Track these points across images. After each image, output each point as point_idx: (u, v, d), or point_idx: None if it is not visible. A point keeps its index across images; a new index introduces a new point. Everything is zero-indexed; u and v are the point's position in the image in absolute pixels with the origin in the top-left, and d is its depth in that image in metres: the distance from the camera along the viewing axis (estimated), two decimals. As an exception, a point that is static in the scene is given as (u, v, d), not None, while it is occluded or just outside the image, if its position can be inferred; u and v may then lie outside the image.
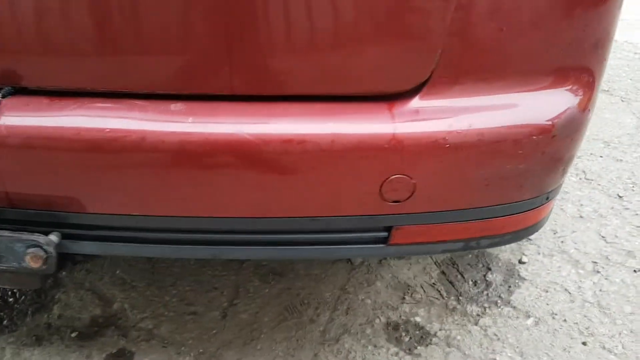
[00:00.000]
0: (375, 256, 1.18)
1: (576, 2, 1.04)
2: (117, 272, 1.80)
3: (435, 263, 1.84)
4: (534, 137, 1.07)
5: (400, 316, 1.64)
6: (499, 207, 1.14)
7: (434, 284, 1.76)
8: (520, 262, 1.84)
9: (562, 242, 1.92)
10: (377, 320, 1.62)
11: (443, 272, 1.80)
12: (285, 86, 1.02)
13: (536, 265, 1.82)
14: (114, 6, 0.96)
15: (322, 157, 1.01)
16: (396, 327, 1.60)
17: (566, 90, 1.11)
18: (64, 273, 1.80)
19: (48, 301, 1.70)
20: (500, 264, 1.83)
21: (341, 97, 1.06)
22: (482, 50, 1.04)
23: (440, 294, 1.72)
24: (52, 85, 1.03)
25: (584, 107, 1.13)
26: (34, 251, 1.03)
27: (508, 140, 1.06)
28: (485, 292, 1.72)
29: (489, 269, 1.81)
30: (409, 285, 1.75)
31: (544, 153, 1.10)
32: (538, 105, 1.09)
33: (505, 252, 1.88)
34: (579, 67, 1.12)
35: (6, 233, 1.04)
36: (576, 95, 1.12)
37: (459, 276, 1.78)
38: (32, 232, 1.05)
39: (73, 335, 1.58)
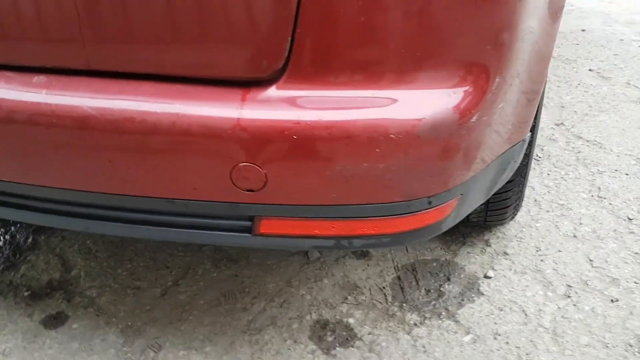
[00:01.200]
0: (243, 245, 1.16)
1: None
2: (87, 241, 1.89)
3: (394, 267, 1.76)
4: (392, 136, 1.00)
5: (335, 316, 1.59)
6: (366, 207, 1.08)
7: (383, 287, 1.68)
8: (485, 276, 1.71)
9: (541, 260, 1.76)
10: (308, 317, 1.58)
11: (399, 277, 1.72)
12: (139, 64, 1.03)
13: (502, 281, 1.69)
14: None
15: (163, 137, 1.01)
16: (325, 325, 1.56)
17: (444, 89, 1.03)
18: (43, 237, 1.92)
19: (20, 261, 1.82)
20: (462, 276, 1.72)
21: (202, 80, 1.04)
22: (342, 41, 0.99)
23: (386, 299, 1.64)
24: None
25: (467, 110, 1.03)
26: None
27: (361, 136, 1.00)
28: (433, 303, 1.62)
29: (449, 279, 1.71)
30: (357, 286, 1.69)
31: (408, 154, 1.02)
32: (404, 103, 1.01)
33: (474, 264, 1.76)
34: (465, 64, 1.03)
35: None
36: (456, 95, 1.03)
37: (414, 283, 1.70)
38: None
39: (26, 294, 1.69)
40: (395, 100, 1.01)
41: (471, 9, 0.99)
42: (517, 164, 1.41)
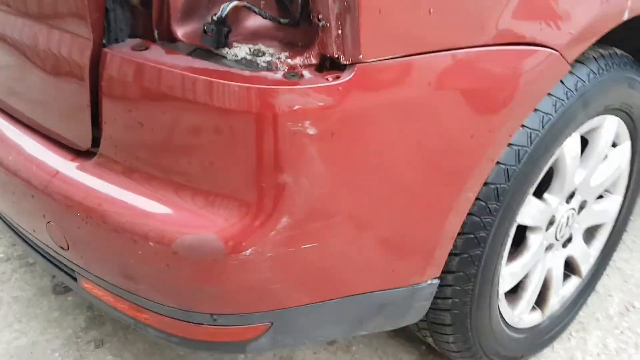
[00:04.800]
0: (76, 291, 1.25)
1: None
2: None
3: (348, 363, 1.64)
4: (151, 244, 0.99)
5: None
6: (147, 300, 1.08)
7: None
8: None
9: None
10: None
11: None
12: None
13: None
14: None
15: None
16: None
17: (221, 215, 0.98)
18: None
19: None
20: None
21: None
22: (130, 144, 1.02)
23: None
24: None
25: (237, 242, 0.96)
26: None
27: (126, 234, 1.01)
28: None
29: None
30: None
31: (168, 267, 1.00)
32: (173, 217, 1.00)
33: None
34: (241, 195, 0.96)
35: None
36: (229, 225, 0.97)
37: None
38: None
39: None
40: (163, 213, 1.00)
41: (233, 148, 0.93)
42: (412, 310, 1.21)
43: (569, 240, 1.54)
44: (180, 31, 0.99)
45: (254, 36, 0.99)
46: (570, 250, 1.56)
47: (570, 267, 1.62)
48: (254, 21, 1.00)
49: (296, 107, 0.88)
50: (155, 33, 1.00)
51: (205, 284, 1.00)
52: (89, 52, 0.98)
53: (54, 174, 1.09)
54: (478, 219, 1.17)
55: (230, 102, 0.90)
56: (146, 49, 0.98)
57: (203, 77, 0.91)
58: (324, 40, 0.89)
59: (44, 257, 1.28)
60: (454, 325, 1.31)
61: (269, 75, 0.91)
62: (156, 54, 0.97)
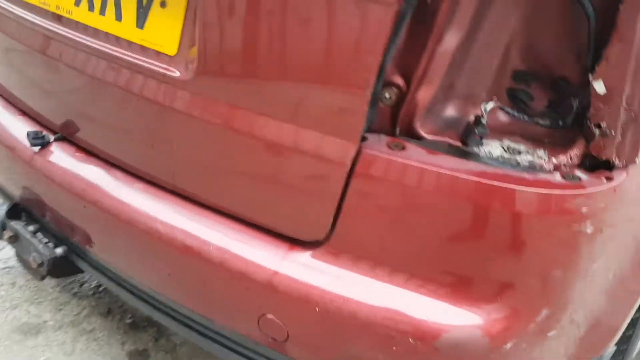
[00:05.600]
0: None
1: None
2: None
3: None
4: (410, 340, 0.98)
5: None
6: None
7: None
8: None
9: None
10: None
11: None
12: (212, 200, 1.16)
13: None
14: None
15: (208, 263, 1.11)
16: None
17: (481, 310, 0.99)
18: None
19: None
20: None
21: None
22: (377, 238, 1.01)
23: None
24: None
25: (500, 336, 0.98)
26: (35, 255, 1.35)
27: (380, 330, 1.00)
28: None
29: None
30: None
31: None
32: (433, 313, 0.99)
33: None
34: (506, 289, 0.98)
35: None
36: (492, 319, 0.98)
37: None
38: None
39: (128, 321, 1.93)
40: (423, 307, 1.00)
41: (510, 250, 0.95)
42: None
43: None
44: (423, 128, 1.00)
45: (493, 131, 1.02)
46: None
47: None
48: (495, 116, 1.03)
49: (583, 210, 0.92)
50: (398, 129, 1.00)
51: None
52: (352, 153, 0.97)
53: (279, 266, 1.06)
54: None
55: (517, 206, 0.92)
56: (403, 148, 0.98)
57: (485, 181, 0.93)
58: (599, 144, 0.94)
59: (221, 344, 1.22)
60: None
61: (551, 178, 0.94)
62: (416, 154, 0.97)
